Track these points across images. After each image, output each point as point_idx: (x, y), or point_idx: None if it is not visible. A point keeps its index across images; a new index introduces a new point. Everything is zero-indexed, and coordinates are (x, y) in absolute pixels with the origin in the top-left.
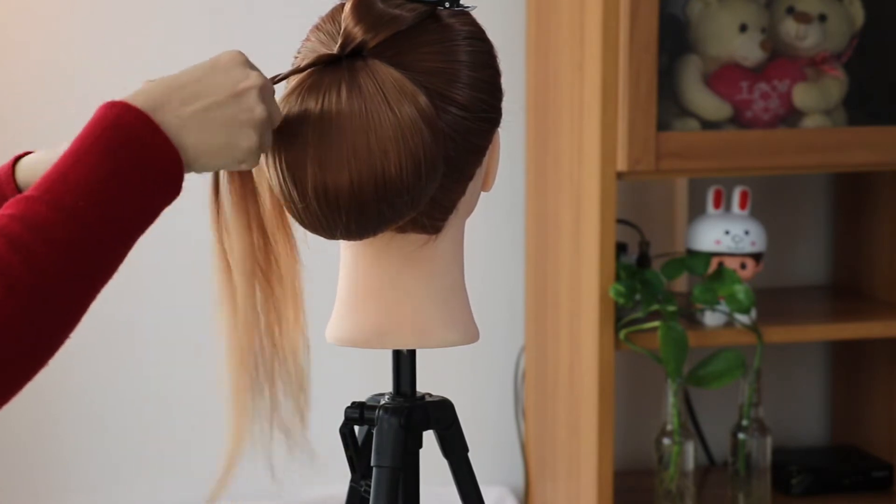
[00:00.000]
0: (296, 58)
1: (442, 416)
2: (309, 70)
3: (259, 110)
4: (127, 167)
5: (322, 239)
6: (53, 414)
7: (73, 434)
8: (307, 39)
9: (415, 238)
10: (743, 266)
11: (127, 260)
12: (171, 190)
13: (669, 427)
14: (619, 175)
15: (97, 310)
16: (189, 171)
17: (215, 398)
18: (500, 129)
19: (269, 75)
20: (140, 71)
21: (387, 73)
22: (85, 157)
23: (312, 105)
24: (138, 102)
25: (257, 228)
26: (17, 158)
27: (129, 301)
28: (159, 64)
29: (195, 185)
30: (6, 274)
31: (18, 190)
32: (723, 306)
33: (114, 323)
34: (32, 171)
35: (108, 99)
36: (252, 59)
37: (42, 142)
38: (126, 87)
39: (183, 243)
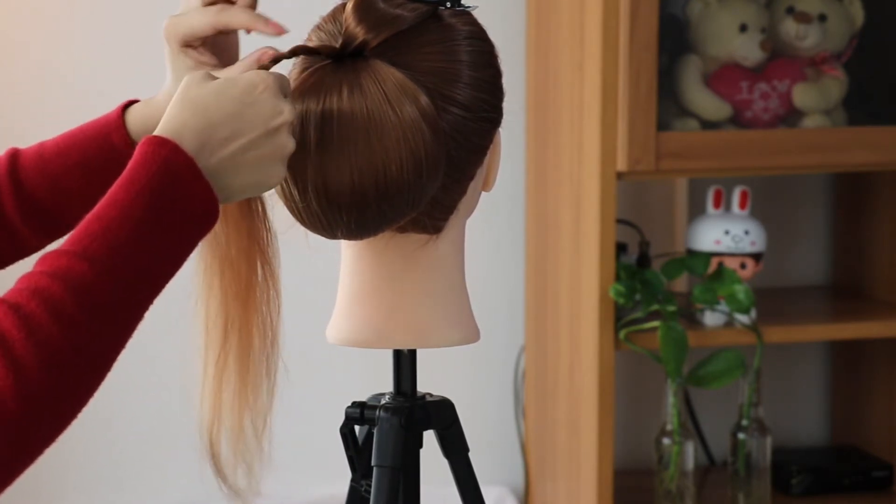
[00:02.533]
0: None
1: (442, 416)
2: (309, 70)
3: (290, 145)
4: (168, 221)
5: (323, 239)
6: None
7: (73, 434)
8: (308, 39)
9: (415, 238)
10: (743, 266)
11: None
12: (203, 234)
13: (669, 427)
14: (619, 175)
15: None
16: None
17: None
18: (500, 129)
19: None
20: (140, 71)
21: (388, 73)
22: (128, 207)
23: (314, 105)
24: (185, 141)
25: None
26: (126, 106)
27: None
28: (159, 64)
29: None
30: (45, 342)
31: (131, 139)
32: (723, 306)
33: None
34: (144, 125)
35: (108, 98)
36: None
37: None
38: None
39: None
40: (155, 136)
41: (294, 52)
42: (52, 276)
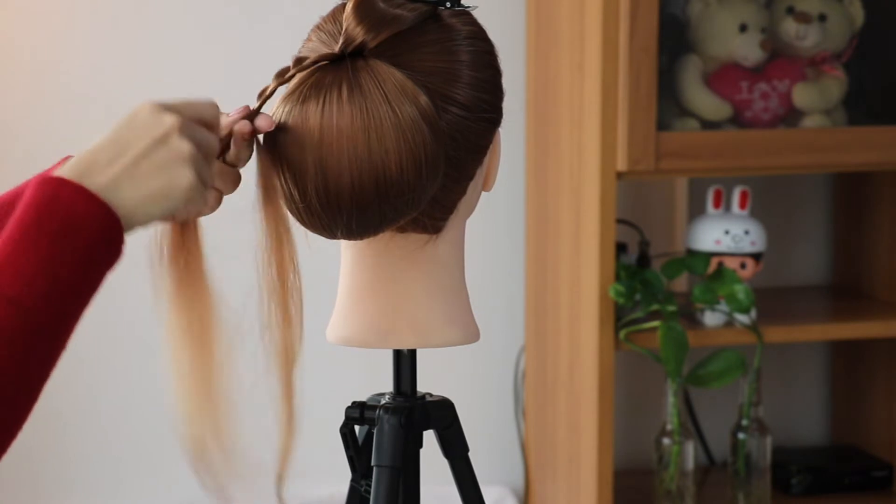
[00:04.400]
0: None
1: (442, 416)
2: (310, 70)
3: (185, 147)
4: (68, 245)
5: (323, 239)
6: (54, 414)
7: (74, 434)
8: (308, 39)
9: (415, 238)
10: (743, 266)
11: (129, 261)
12: (113, 255)
13: (669, 427)
14: (619, 175)
15: (98, 309)
16: (132, 226)
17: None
18: (500, 129)
19: (269, 76)
20: (140, 71)
21: (388, 73)
22: (25, 241)
23: (314, 105)
24: (68, 174)
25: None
26: (65, 160)
27: (130, 301)
28: (160, 64)
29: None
30: None
31: None
32: (723, 306)
33: (115, 322)
34: None
35: (108, 99)
36: (253, 60)
37: (41, 142)
38: (126, 88)
39: None
40: (38, 176)
41: (281, 75)
42: None
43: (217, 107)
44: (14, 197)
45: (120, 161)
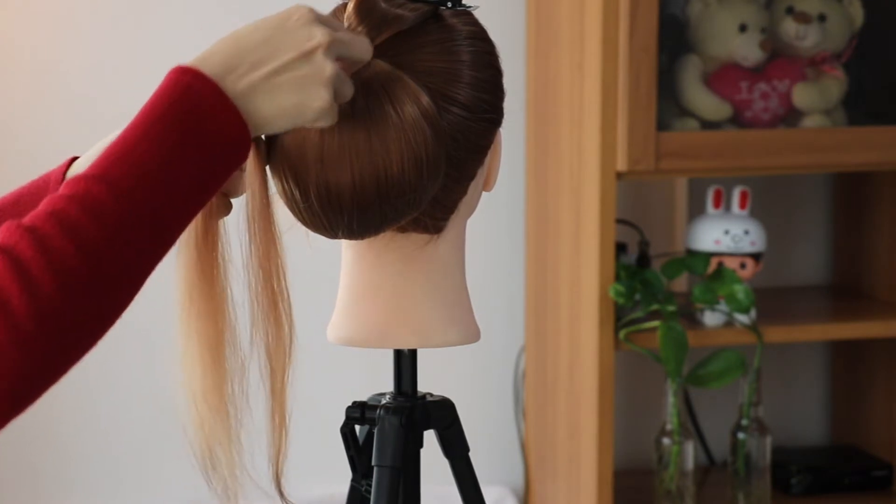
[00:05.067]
0: None
1: (442, 416)
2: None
3: (328, 68)
4: (193, 144)
5: (323, 238)
6: (54, 414)
7: (73, 434)
8: None
9: (416, 238)
10: (743, 266)
11: None
12: (235, 163)
13: (669, 427)
14: (619, 175)
15: None
16: (257, 134)
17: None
18: (500, 129)
19: None
20: (140, 71)
21: (389, 73)
22: (151, 132)
23: None
24: (210, 69)
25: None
26: (72, 161)
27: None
28: (160, 64)
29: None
30: (61, 262)
31: None
32: (722, 306)
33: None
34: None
35: (108, 99)
36: None
37: (41, 142)
38: (126, 87)
39: None
40: (179, 66)
41: None
42: (70, 198)
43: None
44: (17, 197)
45: (262, 68)
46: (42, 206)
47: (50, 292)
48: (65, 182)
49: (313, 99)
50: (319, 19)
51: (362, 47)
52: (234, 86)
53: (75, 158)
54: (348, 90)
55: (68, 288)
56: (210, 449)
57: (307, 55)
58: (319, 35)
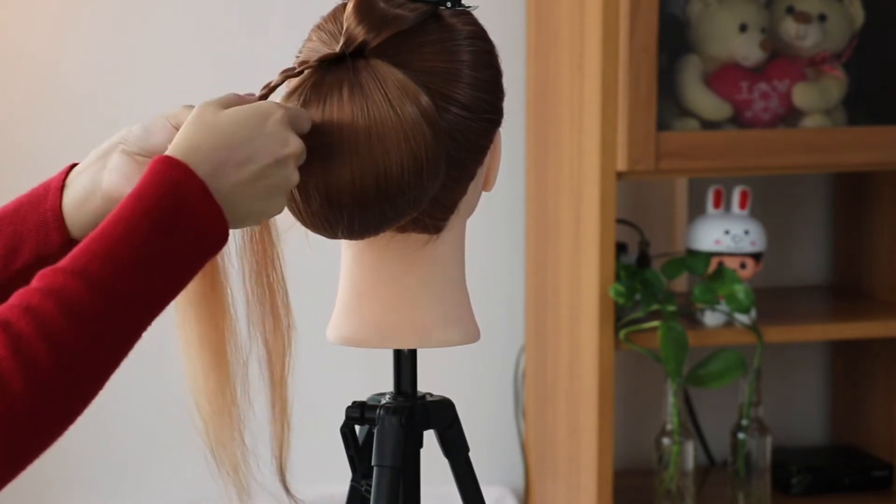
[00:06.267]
0: (297, 57)
1: (442, 416)
2: (310, 70)
3: (294, 178)
4: (175, 242)
5: (323, 238)
6: None
7: (74, 434)
8: (309, 39)
9: (416, 238)
10: (743, 266)
11: None
12: (211, 256)
13: (669, 427)
14: (619, 175)
15: None
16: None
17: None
18: (500, 129)
19: (270, 76)
20: (140, 71)
21: (388, 73)
22: (134, 226)
23: (314, 105)
24: (198, 165)
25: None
26: (71, 168)
27: None
28: (160, 64)
29: None
30: (33, 365)
31: (62, 212)
32: (723, 306)
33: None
34: (77, 197)
35: (108, 99)
36: (254, 59)
37: (41, 142)
38: (126, 87)
39: None
40: (167, 157)
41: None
42: (46, 293)
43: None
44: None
45: (245, 170)
46: (16, 298)
47: (18, 391)
48: (40, 273)
49: (275, 206)
50: (293, 126)
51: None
52: (220, 184)
53: (74, 165)
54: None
55: (38, 387)
56: (217, 449)
57: (281, 163)
58: (293, 144)
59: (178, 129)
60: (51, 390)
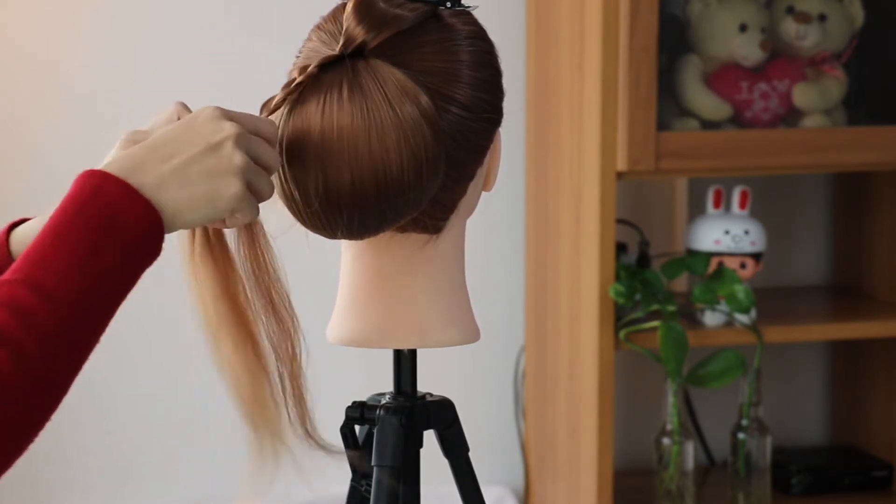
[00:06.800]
0: (297, 57)
1: (442, 416)
2: (310, 70)
3: (237, 158)
4: (108, 241)
5: (323, 238)
6: (57, 413)
7: (74, 434)
8: (309, 39)
9: (415, 238)
10: (743, 266)
11: None
12: (152, 254)
13: (669, 427)
14: (619, 175)
15: None
16: (173, 228)
17: (218, 397)
18: (500, 129)
19: (270, 76)
20: (140, 71)
21: (388, 73)
22: (65, 234)
23: (314, 105)
24: (116, 168)
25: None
26: (13, 226)
27: (132, 300)
28: (160, 64)
29: None
30: None
31: (12, 259)
32: (723, 306)
33: (115, 322)
34: (25, 243)
35: (108, 99)
36: (254, 59)
37: (41, 142)
38: (126, 87)
39: None
40: (84, 171)
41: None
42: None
43: (275, 124)
44: None
45: (171, 162)
46: None
47: None
48: None
49: (224, 188)
50: (227, 115)
51: (270, 129)
52: (143, 179)
53: (16, 224)
54: (265, 185)
55: (2, 394)
56: (255, 414)
57: (215, 147)
58: (228, 127)
59: None
60: (15, 394)
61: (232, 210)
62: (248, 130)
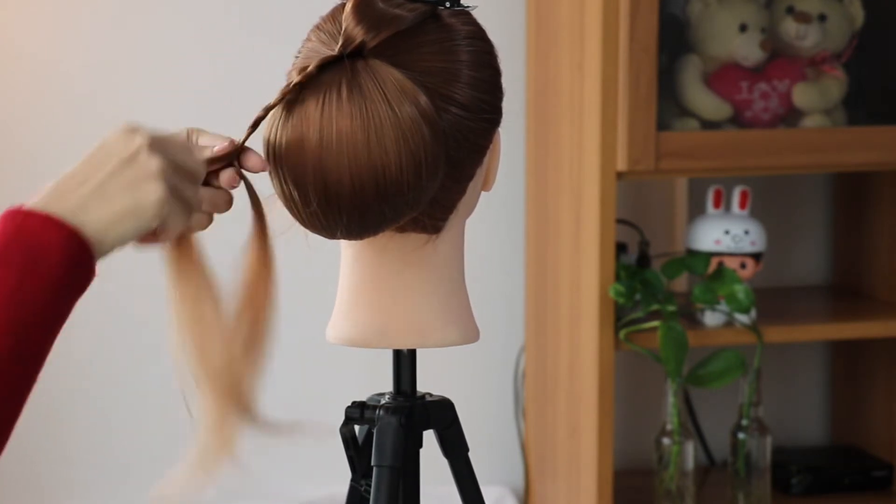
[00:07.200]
0: (296, 57)
1: (442, 416)
2: (309, 70)
3: (153, 163)
4: (35, 276)
5: (322, 239)
6: (55, 414)
7: (74, 434)
8: (308, 39)
9: (415, 238)
10: (743, 266)
11: (134, 259)
12: (83, 280)
13: (669, 427)
14: (619, 175)
15: (98, 310)
16: (103, 247)
17: None
18: (500, 129)
19: (269, 76)
20: (140, 71)
21: (387, 73)
22: None
23: (313, 105)
24: (36, 203)
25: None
26: None
27: (132, 300)
28: (160, 64)
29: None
30: None
31: None
32: (723, 306)
33: (118, 321)
34: None
35: (108, 99)
36: (254, 59)
37: (41, 142)
38: (126, 87)
39: None
40: (8, 210)
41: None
42: None
43: (191, 131)
44: None
45: (88, 184)
46: None
47: None
48: None
49: (146, 195)
50: (134, 128)
51: (183, 137)
52: (63, 206)
53: None
54: (189, 190)
55: None
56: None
57: (130, 159)
58: (138, 138)
59: None
60: None
61: (158, 216)
62: (161, 137)
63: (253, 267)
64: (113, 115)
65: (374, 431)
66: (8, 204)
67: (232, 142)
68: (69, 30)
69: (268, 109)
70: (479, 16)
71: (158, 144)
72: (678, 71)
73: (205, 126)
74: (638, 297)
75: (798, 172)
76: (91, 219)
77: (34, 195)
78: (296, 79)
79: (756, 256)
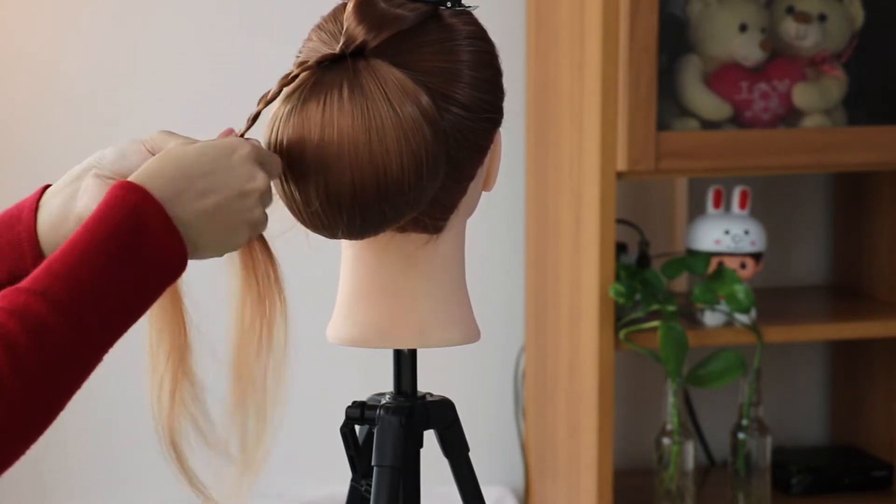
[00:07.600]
0: (297, 57)
1: (442, 416)
2: (310, 70)
3: (257, 213)
4: (134, 266)
5: (323, 238)
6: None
7: (74, 434)
8: (309, 39)
9: (416, 238)
10: (743, 266)
11: None
12: (171, 282)
13: (669, 427)
14: (619, 175)
15: None
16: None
17: (219, 398)
18: (500, 129)
19: (269, 75)
20: (140, 71)
21: (388, 73)
22: (93, 249)
23: (314, 105)
24: (158, 190)
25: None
26: (45, 189)
27: None
28: (160, 64)
29: None
30: None
31: (37, 238)
32: (723, 306)
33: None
34: (52, 228)
35: (108, 99)
36: (254, 59)
37: (41, 142)
38: (126, 87)
39: None
40: (126, 182)
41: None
42: (10, 312)
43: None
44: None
45: (206, 200)
46: None
47: None
48: (2, 293)
49: (236, 238)
50: (259, 159)
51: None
52: (178, 211)
53: (48, 186)
54: (253, 237)
55: (1, 404)
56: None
57: (244, 195)
58: (260, 179)
59: (153, 154)
60: (12, 407)
61: (221, 255)
62: (271, 180)
63: (256, 270)
64: (113, 115)
65: (375, 431)
66: (8, 204)
67: (231, 130)
68: (69, 30)
69: (266, 101)
70: (480, 16)
71: (268, 197)
72: (678, 71)
73: (205, 126)
74: (638, 297)
75: (798, 172)
76: (192, 236)
77: (146, 167)
78: (295, 70)
79: (756, 256)
